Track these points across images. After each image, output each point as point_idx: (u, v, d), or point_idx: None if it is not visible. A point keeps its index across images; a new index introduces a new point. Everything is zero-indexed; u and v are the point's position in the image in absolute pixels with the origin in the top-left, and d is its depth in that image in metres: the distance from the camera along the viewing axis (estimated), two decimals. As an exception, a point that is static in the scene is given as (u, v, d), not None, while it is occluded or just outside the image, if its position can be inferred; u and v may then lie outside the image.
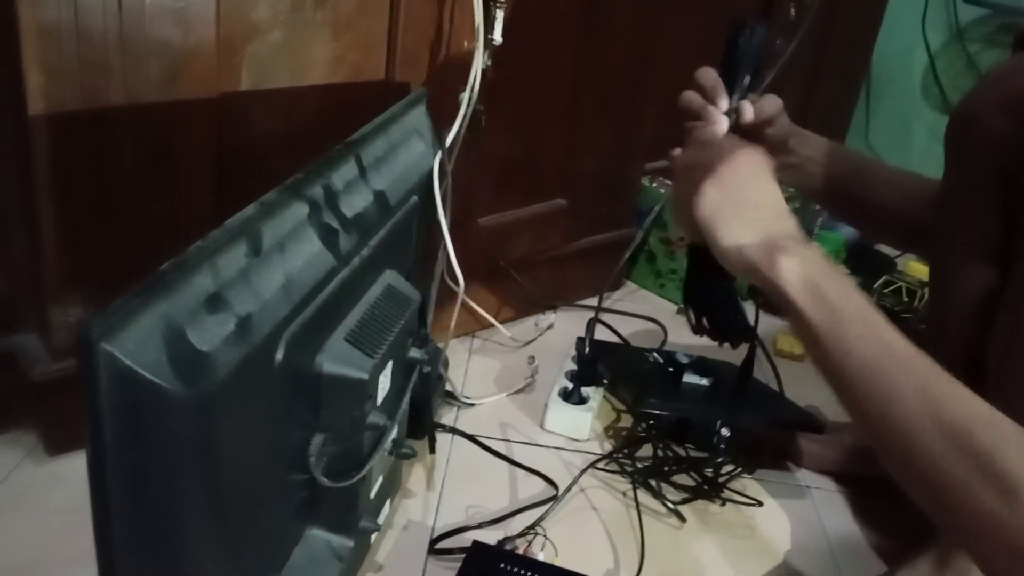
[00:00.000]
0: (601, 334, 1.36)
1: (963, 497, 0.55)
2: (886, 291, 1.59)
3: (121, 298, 0.46)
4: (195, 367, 0.49)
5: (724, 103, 0.89)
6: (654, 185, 1.57)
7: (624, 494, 1.05)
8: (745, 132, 0.92)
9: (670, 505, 1.03)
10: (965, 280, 0.87)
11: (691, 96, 0.90)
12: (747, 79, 0.91)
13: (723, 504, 1.05)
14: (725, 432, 1.06)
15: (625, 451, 1.11)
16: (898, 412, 0.59)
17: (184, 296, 0.50)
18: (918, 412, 0.58)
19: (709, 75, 0.89)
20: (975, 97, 0.87)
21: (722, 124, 0.88)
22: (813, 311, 0.65)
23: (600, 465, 1.09)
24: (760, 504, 1.06)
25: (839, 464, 1.15)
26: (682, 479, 1.08)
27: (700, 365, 1.19)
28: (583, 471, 1.07)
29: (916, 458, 0.58)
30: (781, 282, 0.66)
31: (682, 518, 1.02)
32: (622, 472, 1.08)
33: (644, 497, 1.04)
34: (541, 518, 0.97)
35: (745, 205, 0.72)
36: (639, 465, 1.09)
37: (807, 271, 0.66)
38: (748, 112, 0.90)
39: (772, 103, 0.94)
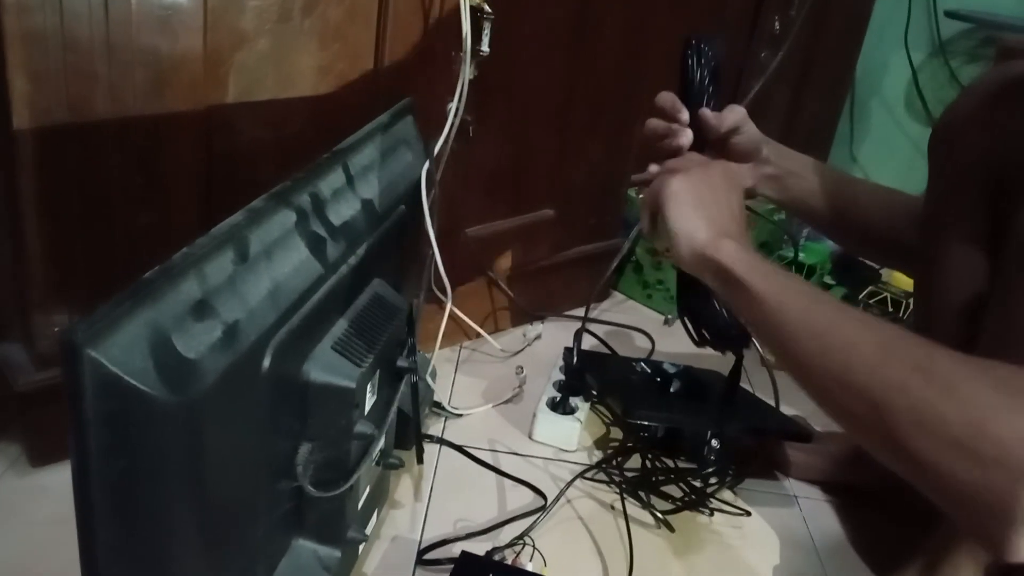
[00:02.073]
0: (589, 344, 1.36)
1: (902, 397, 0.56)
2: (871, 302, 1.59)
3: (107, 304, 0.46)
4: (181, 374, 0.49)
5: (685, 116, 0.92)
6: (640, 196, 1.57)
7: (612, 506, 1.05)
8: (714, 144, 0.93)
9: (658, 516, 1.02)
10: (951, 289, 0.87)
11: (654, 121, 0.93)
12: (706, 94, 0.94)
13: (711, 514, 1.05)
14: (715, 443, 1.06)
15: (614, 461, 1.11)
16: (858, 353, 0.60)
17: (170, 303, 0.50)
18: (877, 351, 0.59)
19: (666, 97, 0.93)
20: (957, 108, 0.88)
21: (686, 135, 0.91)
22: (755, 279, 0.68)
23: (588, 475, 1.09)
24: (748, 514, 1.06)
25: (827, 473, 1.15)
26: (671, 489, 1.08)
27: (687, 375, 1.19)
28: (571, 481, 1.06)
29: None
30: (723, 258, 0.70)
31: (671, 528, 1.01)
32: (610, 483, 1.08)
33: (633, 508, 1.04)
34: (529, 529, 0.97)
35: (706, 202, 0.76)
36: (627, 475, 1.09)
37: (748, 254, 0.70)
38: (710, 118, 0.92)
39: (734, 112, 0.96)
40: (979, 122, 0.83)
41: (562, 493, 1.04)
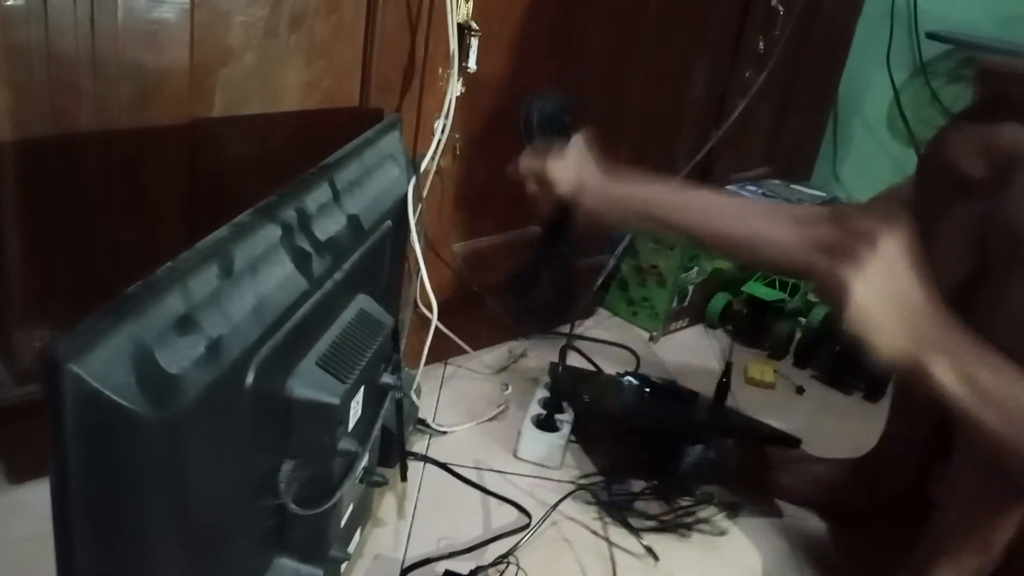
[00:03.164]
0: (574, 362, 1.36)
1: None
2: None
3: (89, 318, 0.45)
4: (164, 389, 0.48)
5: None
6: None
7: (595, 531, 1.04)
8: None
9: (643, 543, 1.01)
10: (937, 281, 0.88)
11: (531, 186, 1.03)
12: (545, 141, 1.03)
13: (690, 532, 1.04)
14: (708, 454, 1.06)
15: (601, 481, 1.11)
16: None
17: (154, 317, 0.49)
18: None
19: (524, 163, 1.03)
20: (952, 139, 0.88)
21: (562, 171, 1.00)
22: (973, 404, 0.70)
23: (573, 495, 1.08)
24: (723, 533, 1.06)
25: (812, 496, 1.15)
26: (657, 506, 1.07)
27: (674, 387, 1.20)
28: (556, 504, 1.05)
29: None
30: (939, 383, 0.71)
31: (655, 557, 1.00)
32: (596, 502, 1.07)
33: (617, 526, 1.04)
34: (514, 548, 0.96)
35: (894, 304, 0.73)
36: (613, 495, 1.08)
37: (957, 365, 0.71)
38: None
39: (575, 143, 1.02)
40: (973, 157, 0.85)
41: (548, 514, 1.03)
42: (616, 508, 1.06)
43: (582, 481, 1.10)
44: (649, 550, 1.01)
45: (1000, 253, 0.81)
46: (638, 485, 1.11)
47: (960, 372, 0.70)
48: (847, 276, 0.72)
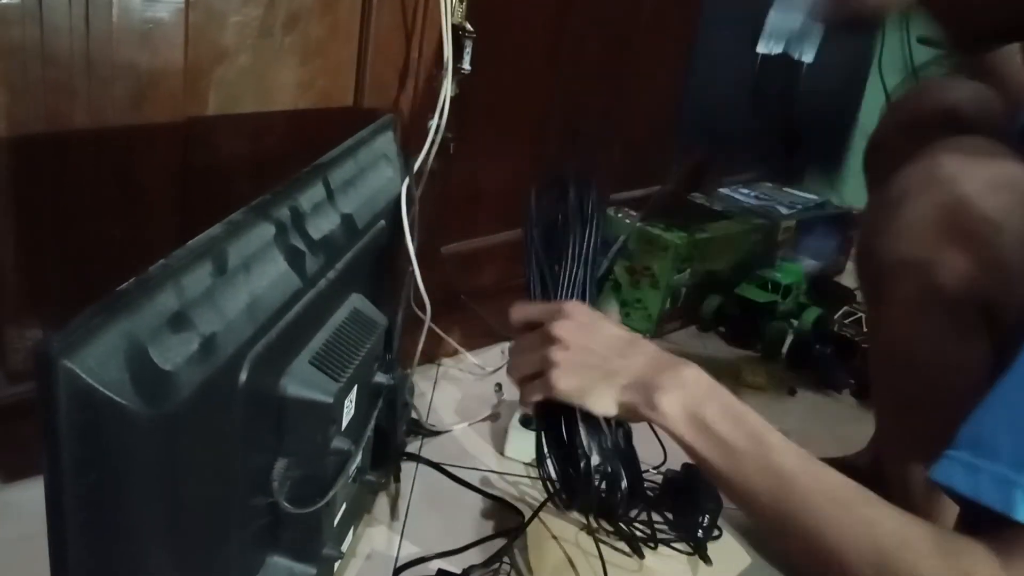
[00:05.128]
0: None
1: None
2: (846, 322, 1.61)
3: (82, 315, 0.45)
4: (158, 386, 0.48)
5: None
6: (619, 216, 1.59)
7: (586, 532, 1.04)
8: None
9: (629, 547, 1.01)
10: None
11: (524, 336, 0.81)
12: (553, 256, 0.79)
13: (656, 547, 1.01)
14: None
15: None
16: (814, 544, 0.62)
17: (147, 314, 0.49)
18: (833, 542, 0.61)
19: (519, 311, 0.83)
20: (883, 123, 0.90)
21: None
22: (704, 447, 0.66)
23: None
24: (692, 554, 1.02)
25: None
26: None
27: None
28: (543, 503, 1.04)
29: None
30: (666, 422, 0.67)
31: (641, 555, 1.00)
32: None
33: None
34: (507, 547, 0.96)
35: (594, 359, 0.71)
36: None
37: (687, 403, 0.67)
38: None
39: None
40: (900, 133, 0.85)
41: (537, 512, 1.03)
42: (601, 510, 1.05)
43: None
44: (637, 550, 1.01)
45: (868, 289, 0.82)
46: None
47: (687, 411, 0.67)
48: (541, 355, 0.72)
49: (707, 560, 1.00)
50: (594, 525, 1.02)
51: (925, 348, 0.77)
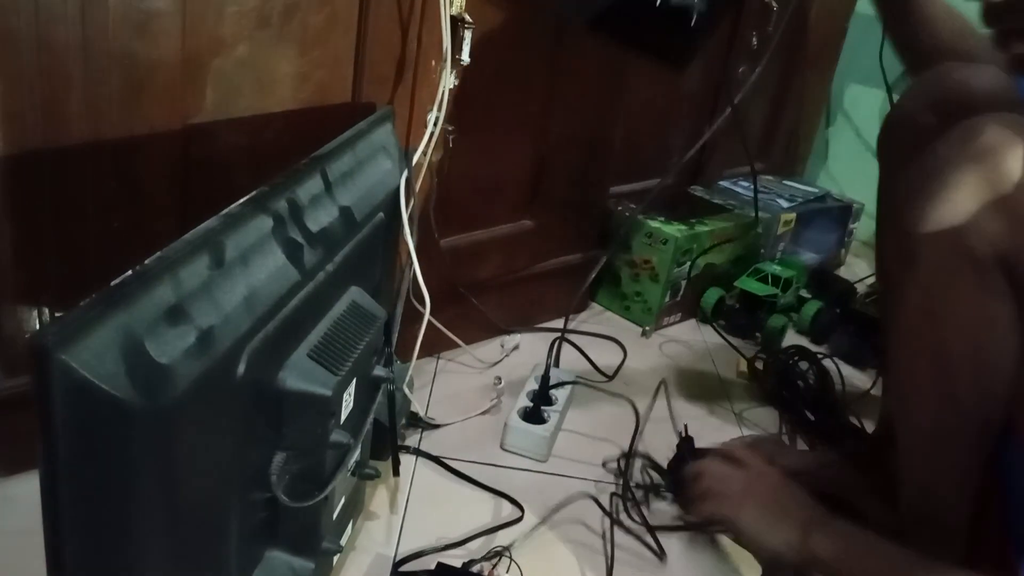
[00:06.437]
0: (567, 355, 1.36)
1: None
2: (867, 300, 1.66)
3: (79, 308, 0.45)
4: (154, 380, 0.48)
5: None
6: (619, 209, 1.58)
7: (587, 526, 1.04)
8: None
9: (653, 542, 1.01)
10: None
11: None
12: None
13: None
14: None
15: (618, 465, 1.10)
16: None
17: (144, 307, 0.49)
18: None
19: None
20: (906, 101, 0.95)
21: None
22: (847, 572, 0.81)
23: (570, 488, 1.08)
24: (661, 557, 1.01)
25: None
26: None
27: None
28: (556, 507, 1.05)
29: None
30: (819, 556, 0.82)
31: (662, 553, 1.00)
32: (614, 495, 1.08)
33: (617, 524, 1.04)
34: (507, 541, 0.96)
35: (774, 508, 0.89)
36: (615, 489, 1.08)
37: (836, 543, 0.82)
38: None
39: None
40: (926, 111, 0.89)
41: (543, 507, 1.03)
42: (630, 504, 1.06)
43: (585, 476, 1.11)
44: (653, 549, 1.01)
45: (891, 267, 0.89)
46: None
47: (836, 549, 0.82)
48: (725, 513, 0.92)
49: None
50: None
51: (959, 306, 0.81)
